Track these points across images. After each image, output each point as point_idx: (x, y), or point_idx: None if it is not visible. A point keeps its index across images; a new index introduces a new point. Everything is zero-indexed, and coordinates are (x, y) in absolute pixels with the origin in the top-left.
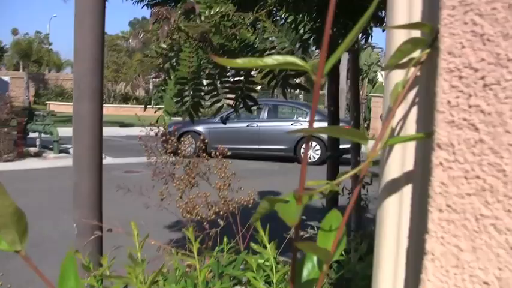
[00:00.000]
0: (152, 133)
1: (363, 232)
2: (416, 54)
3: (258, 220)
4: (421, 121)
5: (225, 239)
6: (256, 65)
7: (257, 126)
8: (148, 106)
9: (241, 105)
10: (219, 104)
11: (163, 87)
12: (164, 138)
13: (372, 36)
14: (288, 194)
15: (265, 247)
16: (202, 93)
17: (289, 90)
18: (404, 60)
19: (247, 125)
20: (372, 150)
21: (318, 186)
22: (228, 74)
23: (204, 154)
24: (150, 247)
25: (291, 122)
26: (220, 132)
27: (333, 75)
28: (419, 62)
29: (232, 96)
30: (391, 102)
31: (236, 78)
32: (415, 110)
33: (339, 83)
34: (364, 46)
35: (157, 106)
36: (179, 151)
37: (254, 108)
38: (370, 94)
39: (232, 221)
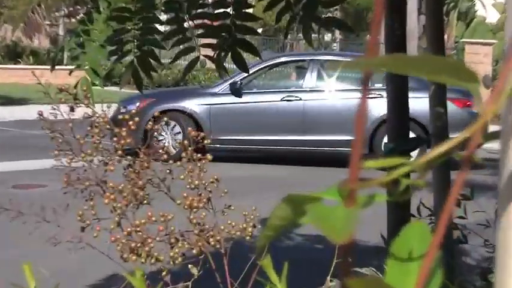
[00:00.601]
0: (64, 110)
1: (459, 282)
2: None
3: (266, 247)
4: None
5: None
6: None
7: (300, 100)
8: (57, 66)
9: (231, 59)
10: (187, 58)
11: (85, 28)
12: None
13: None
14: (328, 189)
15: None
16: (159, 37)
17: (317, 30)
18: None
19: (282, 99)
20: (490, 102)
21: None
22: (204, 1)
23: (197, 153)
24: None
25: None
26: (230, 113)
27: (394, 6)
28: None
29: (214, 41)
30: None
31: (219, 10)
32: None
33: (406, 21)
34: None
35: (76, 65)
36: (148, 148)
37: (256, 64)
38: (463, 40)
39: (215, 266)
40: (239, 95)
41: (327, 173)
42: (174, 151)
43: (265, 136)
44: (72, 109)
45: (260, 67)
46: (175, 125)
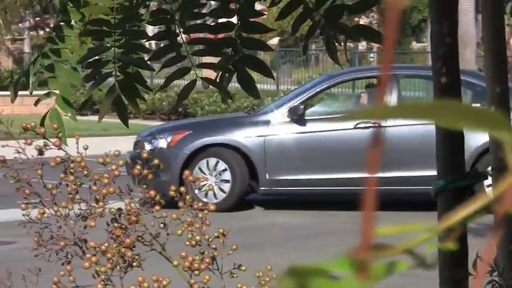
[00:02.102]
0: (31, 152)
1: None
2: None
3: None
4: None
5: None
6: None
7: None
8: (21, 92)
9: (237, 81)
10: (183, 80)
11: (54, 46)
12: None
13: None
14: (337, 258)
15: None
16: (145, 56)
17: (343, 41)
18: None
19: (355, 126)
20: None
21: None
22: (201, 10)
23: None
24: None
25: None
26: (290, 146)
27: (443, 7)
28: None
29: (215, 59)
30: None
31: (222, 20)
32: None
33: (457, 26)
34: None
35: (44, 93)
36: (182, 198)
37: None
38: None
39: None
40: (302, 123)
41: (405, 218)
42: (218, 197)
43: (335, 175)
44: (41, 153)
45: (322, 87)
46: (217, 163)
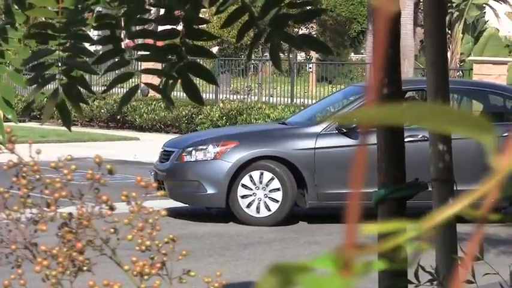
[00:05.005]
0: None
1: None
2: None
3: None
4: None
5: None
6: None
7: (427, 140)
8: None
9: (182, 88)
10: (123, 88)
11: None
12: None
13: None
14: (320, 256)
15: None
16: (89, 60)
17: (287, 50)
18: None
19: (412, 140)
20: (507, 156)
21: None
22: (146, 16)
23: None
24: None
25: None
26: (340, 159)
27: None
28: None
29: (158, 65)
30: None
31: (166, 27)
32: None
33: (399, 39)
34: None
35: None
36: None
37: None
38: (470, 58)
39: None
40: (354, 136)
41: None
42: (267, 212)
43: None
44: None
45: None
46: (268, 177)
